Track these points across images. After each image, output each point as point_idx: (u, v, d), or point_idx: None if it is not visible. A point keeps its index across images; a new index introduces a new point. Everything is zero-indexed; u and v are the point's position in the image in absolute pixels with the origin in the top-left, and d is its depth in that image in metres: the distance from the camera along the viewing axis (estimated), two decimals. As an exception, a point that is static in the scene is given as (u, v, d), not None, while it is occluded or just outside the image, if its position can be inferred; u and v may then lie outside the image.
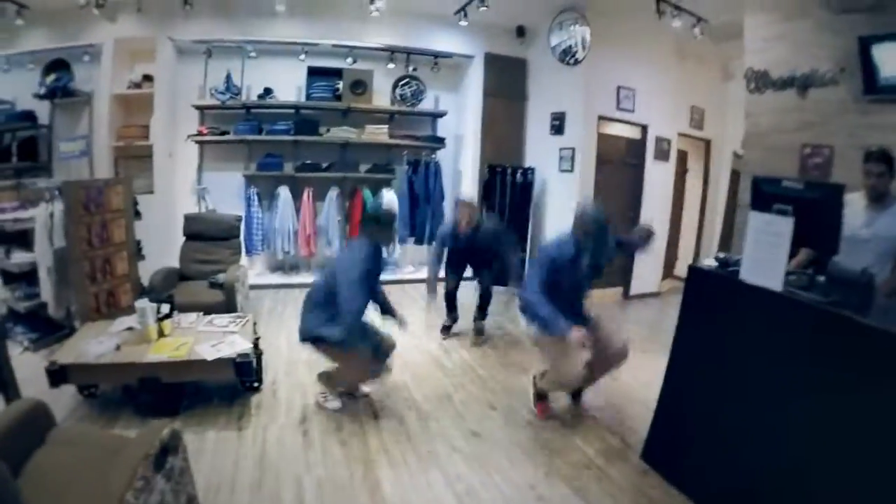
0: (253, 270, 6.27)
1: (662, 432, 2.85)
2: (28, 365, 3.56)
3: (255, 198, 6.07)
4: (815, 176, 3.81)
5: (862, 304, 2.02)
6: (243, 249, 5.43)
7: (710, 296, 2.59)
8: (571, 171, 5.81)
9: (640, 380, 3.99)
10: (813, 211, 2.30)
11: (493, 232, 4.43)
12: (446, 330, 4.78)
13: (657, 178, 6.18)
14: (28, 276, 4.03)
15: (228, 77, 5.85)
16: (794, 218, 2.21)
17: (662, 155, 6.18)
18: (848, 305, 2.02)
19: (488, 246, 4.42)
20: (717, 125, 6.71)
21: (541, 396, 3.41)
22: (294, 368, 3.89)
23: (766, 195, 2.56)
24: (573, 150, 5.73)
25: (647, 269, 6.39)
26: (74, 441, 2.14)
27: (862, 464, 1.89)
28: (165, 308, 3.27)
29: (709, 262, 2.65)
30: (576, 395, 3.54)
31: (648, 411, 3.42)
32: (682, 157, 6.76)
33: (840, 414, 1.96)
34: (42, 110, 5.75)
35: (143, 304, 3.18)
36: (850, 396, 1.93)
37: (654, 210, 6.22)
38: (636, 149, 6.08)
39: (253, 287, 5.56)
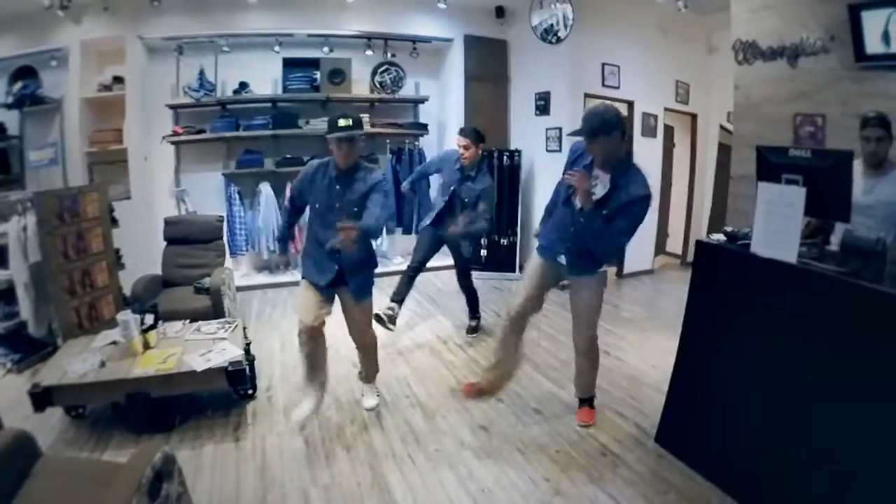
0: (238, 272, 6.10)
1: (676, 414, 2.79)
2: (12, 387, 3.42)
3: (237, 196, 5.89)
4: (810, 145, 3.76)
5: (878, 273, 1.96)
6: (227, 251, 5.27)
7: (721, 271, 2.52)
8: (559, 150, 5.70)
9: (646, 361, 3.94)
10: (822, 179, 2.24)
11: (487, 188, 4.13)
12: (384, 321, 4.04)
13: (645, 155, 6.07)
14: (5, 295, 3.82)
15: (202, 73, 5.64)
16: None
17: (650, 131, 6.09)
18: (863, 275, 1.97)
19: (475, 201, 4.05)
20: (703, 99, 6.63)
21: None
22: (289, 372, 3.74)
23: (772, 165, 2.49)
24: (560, 129, 5.61)
25: (639, 247, 6.32)
26: (63, 471, 2.01)
27: (885, 439, 1.83)
28: (150, 319, 3.11)
29: (717, 236, 2.57)
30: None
31: (659, 394, 3.38)
32: (669, 132, 6.68)
33: (861, 387, 1.91)
34: (11, 121, 5.51)
35: (126, 316, 3.02)
36: (871, 369, 1.88)
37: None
38: (623, 126, 5.98)
39: (240, 289, 5.40)
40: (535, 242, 3.05)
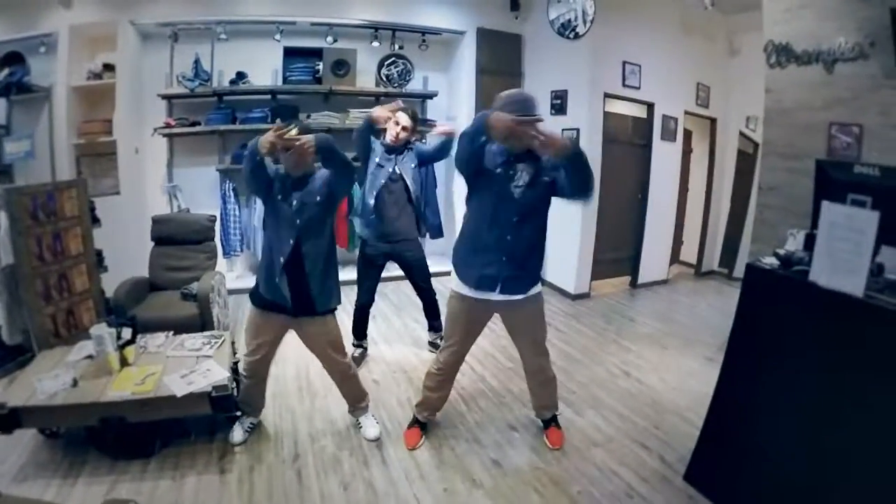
0: (233, 273, 5.82)
1: (711, 454, 2.52)
2: (-16, 398, 3.11)
3: (232, 193, 5.57)
4: (844, 157, 3.50)
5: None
6: (220, 251, 4.96)
7: (772, 300, 2.24)
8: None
9: (668, 383, 3.66)
10: (893, 202, 1.95)
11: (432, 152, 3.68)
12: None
13: (664, 159, 5.80)
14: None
15: (197, 62, 5.31)
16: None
17: (669, 134, 5.79)
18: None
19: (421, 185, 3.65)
20: (722, 103, 6.33)
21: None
22: (283, 390, 3.44)
23: (834, 182, 2.21)
24: (577, 130, 5.29)
25: (654, 256, 6.05)
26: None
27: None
28: (127, 333, 2.81)
29: (769, 259, 2.27)
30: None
31: (683, 421, 3.14)
32: (687, 137, 6.37)
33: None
34: (-2, 110, 5.22)
35: (100, 330, 2.72)
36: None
37: (662, 193, 5.87)
38: (643, 128, 5.68)
39: (233, 292, 5.09)
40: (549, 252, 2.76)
